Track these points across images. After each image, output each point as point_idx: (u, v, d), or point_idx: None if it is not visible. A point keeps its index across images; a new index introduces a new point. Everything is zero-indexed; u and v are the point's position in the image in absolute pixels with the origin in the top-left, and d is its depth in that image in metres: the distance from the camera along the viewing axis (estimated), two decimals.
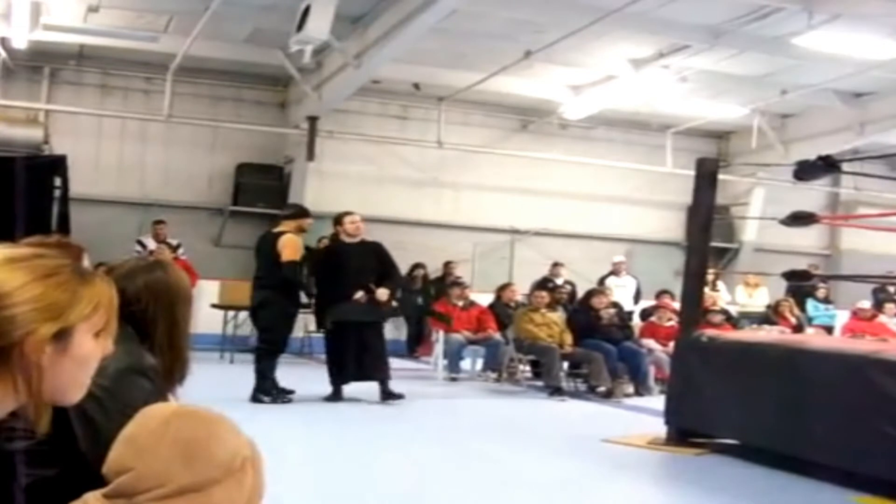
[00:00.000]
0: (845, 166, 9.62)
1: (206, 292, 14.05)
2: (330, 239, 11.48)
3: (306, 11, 11.50)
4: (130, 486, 1.59)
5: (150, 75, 16.12)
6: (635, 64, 14.74)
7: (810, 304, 15.82)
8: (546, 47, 13.50)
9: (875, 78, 14.56)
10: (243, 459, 1.64)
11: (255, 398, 9.56)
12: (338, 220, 10.51)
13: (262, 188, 16.78)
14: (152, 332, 2.60)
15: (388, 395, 9.93)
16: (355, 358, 9.87)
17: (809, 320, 15.40)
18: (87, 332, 1.53)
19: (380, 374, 10.00)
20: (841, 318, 15.78)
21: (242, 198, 16.75)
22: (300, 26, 11.66)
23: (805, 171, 7.85)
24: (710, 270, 14.73)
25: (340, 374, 9.93)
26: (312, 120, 15.89)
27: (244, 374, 10.04)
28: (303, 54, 12.72)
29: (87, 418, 2.18)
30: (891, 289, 14.42)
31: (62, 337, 1.50)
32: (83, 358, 1.55)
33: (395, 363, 12.23)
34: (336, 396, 9.89)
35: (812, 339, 9.96)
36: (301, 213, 10.38)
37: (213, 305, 13.88)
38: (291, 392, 9.80)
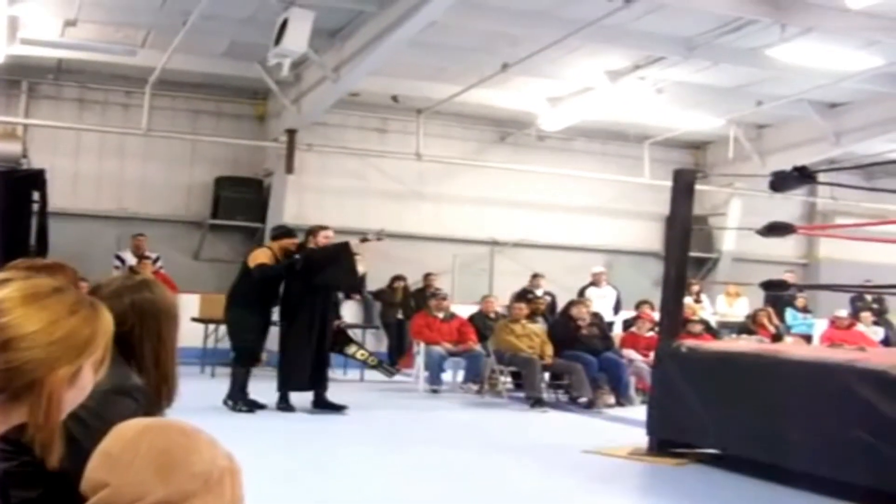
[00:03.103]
0: (821, 177, 9.73)
1: (186, 306, 13.93)
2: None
3: (284, 25, 11.51)
4: (108, 501, 1.57)
5: (129, 89, 16.05)
6: (612, 76, 14.81)
7: (789, 314, 15.90)
8: (523, 60, 13.55)
9: (849, 89, 14.68)
10: (221, 471, 1.62)
11: (225, 403, 9.82)
12: (312, 231, 10.58)
13: (242, 202, 16.74)
14: (138, 351, 2.60)
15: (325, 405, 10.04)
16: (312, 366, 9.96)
17: (788, 329, 15.47)
18: (91, 364, 1.54)
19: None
20: (819, 326, 15.85)
21: (221, 211, 16.69)
22: (278, 40, 11.67)
23: (781, 181, 7.92)
24: (693, 282, 14.85)
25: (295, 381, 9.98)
26: (291, 133, 15.89)
27: (225, 388, 10.04)
28: (281, 67, 12.74)
29: (71, 438, 2.18)
30: (868, 298, 14.50)
31: (77, 371, 1.51)
32: (85, 388, 1.55)
33: (375, 375, 12.28)
34: (287, 404, 9.96)
35: (790, 348, 10.02)
36: (285, 233, 10.50)
37: (194, 319, 13.84)
38: (261, 406, 9.87)
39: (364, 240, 10.13)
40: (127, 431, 1.65)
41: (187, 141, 16.53)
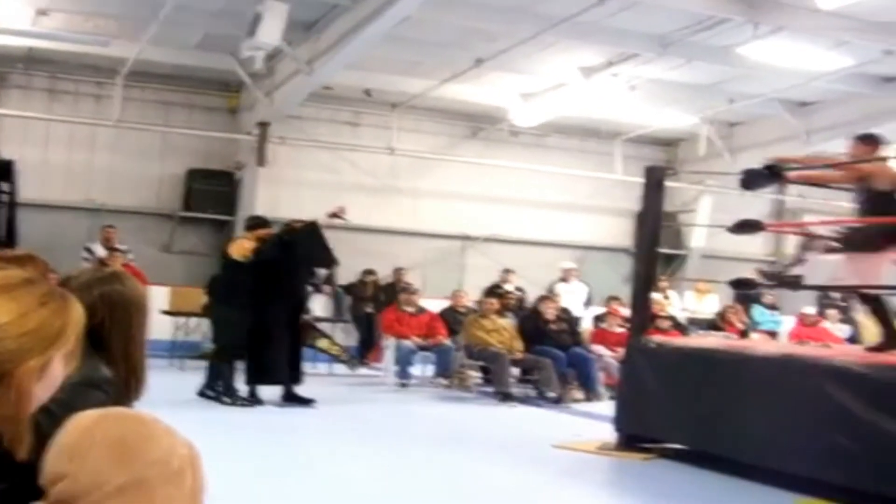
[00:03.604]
0: (792, 175, 9.70)
1: (156, 298, 13.89)
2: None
3: (258, 17, 11.50)
4: (68, 492, 1.55)
5: (100, 80, 15.97)
6: (585, 72, 14.85)
7: (756, 311, 16.01)
8: (497, 55, 13.59)
9: (819, 88, 14.80)
10: (181, 459, 1.60)
11: (203, 394, 9.84)
12: (285, 228, 10.58)
13: (213, 194, 16.70)
14: (108, 344, 2.59)
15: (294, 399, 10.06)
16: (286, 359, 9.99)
17: (756, 326, 15.58)
18: (61, 356, 1.54)
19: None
20: (786, 323, 15.98)
21: (193, 203, 16.64)
22: (252, 32, 11.66)
23: (752, 179, 7.97)
24: (662, 278, 14.92)
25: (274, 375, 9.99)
26: (263, 126, 15.86)
27: (195, 381, 10.03)
28: (254, 60, 12.72)
29: (40, 431, 2.18)
30: (834, 295, 14.63)
31: (47, 363, 1.51)
32: (55, 380, 1.55)
33: (344, 369, 12.28)
34: (256, 397, 9.98)
35: (757, 344, 10.12)
36: (260, 224, 10.47)
37: (163, 312, 13.79)
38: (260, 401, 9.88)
39: (333, 215, 10.12)
40: (82, 421, 1.63)
41: (159, 133, 16.46)
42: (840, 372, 6.13)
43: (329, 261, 10.55)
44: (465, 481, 6.68)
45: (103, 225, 15.11)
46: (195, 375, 10.33)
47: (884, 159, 7.62)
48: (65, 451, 1.58)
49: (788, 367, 6.62)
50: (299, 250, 10.02)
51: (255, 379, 9.94)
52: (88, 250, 14.50)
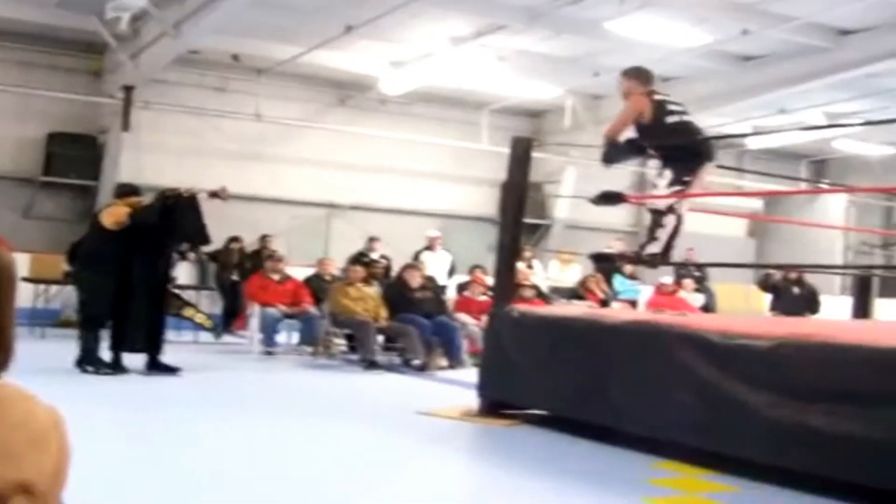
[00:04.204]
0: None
1: (16, 265, 13.52)
2: None
3: None
4: None
5: None
6: (454, 42, 14.92)
7: (617, 280, 16.37)
8: (367, 23, 13.53)
9: (681, 64, 15.18)
10: (44, 424, 1.57)
11: (79, 365, 9.56)
12: (161, 195, 10.36)
13: (75, 159, 16.27)
14: None
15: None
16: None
17: (616, 295, 15.96)
18: None
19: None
20: (645, 292, 16.41)
21: (54, 168, 16.19)
22: None
23: (612, 153, 8.13)
24: (526, 248, 15.14)
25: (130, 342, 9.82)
26: (128, 89, 15.49)
27: (57, 349, 9.81)
28: (119, 21, 12.40)
29: None
30: (690, 266, 15.08)
31: None
32: None
33: (209, 337, 12.14)
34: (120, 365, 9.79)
35: (616, 313, 10.35)
36: (131, 192, 10.22)
37: (24, 279, 13.37)
38: (123, 368, 9.68)
39: (214, 195, 9.97)
40: None
41: (18, 94, 15.87)
42: (694, 339, 6.33)
43: (203, 238, 10.38)
44: (329, 448, 6.69)
45: None
46: (56, 344, 10.08)
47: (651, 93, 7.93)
48: None
49: (646, 335, 6.80)
50: (176, 219, 9.82)
51: (113, 345, 9.75)
52: None
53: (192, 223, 9.95)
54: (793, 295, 14.97)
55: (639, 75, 8.09)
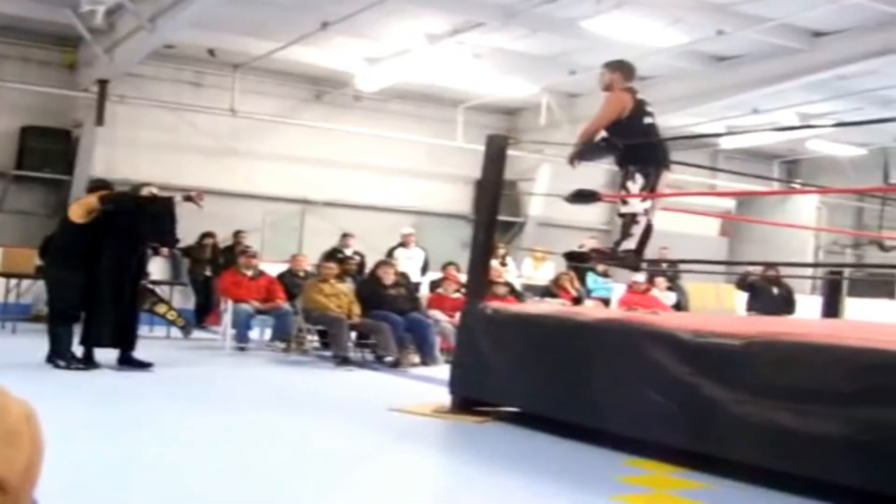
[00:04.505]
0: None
1: None
2: None
3: None
4: None
5: None
6: (430, 39, 14.92)
7: (590, 278, 16.42)
8: (343, 19, 13.50)
9: (656, 63, 15.22)
10: (16, 417, 1.55)
11: (50, 360, 9.49)
12: (135, 190, 10.32)
13: (49, 153, 16.16)
14: None
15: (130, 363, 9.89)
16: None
17: (589, 293, 16.01)
18: None
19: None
20: (618, 291, 16.47)
21: (27, 162, 16.08)
22: None
23: (587, 152, 8.16)
24: (500, 245, 15.16)
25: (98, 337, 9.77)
26: (102, 83, 15.40)
27: (29, 344, 9.75)
28: (95, 14, 12.31)
29: None
30: (663, 264, 15.14)
31: None
32: None
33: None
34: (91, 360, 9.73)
35: (589, 311, 10.37)
36: (103, 186, 10.18)
37: None
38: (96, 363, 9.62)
39: (188, 198, 9.92)
40: None
41: None
42: (666, 337, 6.36)
43: (171, 241, 10.35)
44: (301, 445, 6.68)
45: None
46: (27, 339, 10.02)
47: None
48: None
49: (618, 333, 6.83)
50: (149, 219, 9.78)
51: (83, 339, 9.69)
52: None
53: (164, 225, 9.92)
54: (771, 295, 15.04)
55: (622, 69, 8.12)
